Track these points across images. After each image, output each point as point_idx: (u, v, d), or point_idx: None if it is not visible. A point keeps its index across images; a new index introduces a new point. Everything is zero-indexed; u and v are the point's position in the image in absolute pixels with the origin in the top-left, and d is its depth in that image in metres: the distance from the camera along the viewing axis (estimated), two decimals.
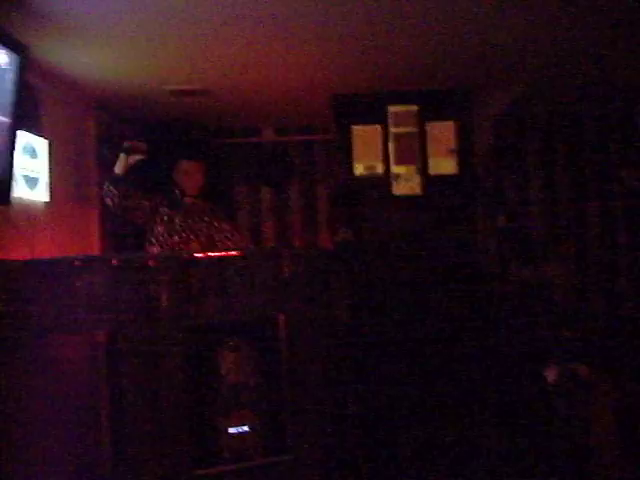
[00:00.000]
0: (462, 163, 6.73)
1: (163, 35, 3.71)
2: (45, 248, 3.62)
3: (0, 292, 3.12)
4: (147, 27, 3.59)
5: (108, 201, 3.87)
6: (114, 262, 3.23)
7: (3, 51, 2.92)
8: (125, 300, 3.21)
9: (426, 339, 4.88)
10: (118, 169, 3.87)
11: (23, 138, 3.60)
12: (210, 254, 3.41)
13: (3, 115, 2.96)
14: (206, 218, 4.07)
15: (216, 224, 4.06)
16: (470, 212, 6.63)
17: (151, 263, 3.26)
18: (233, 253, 3.47)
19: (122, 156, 3.87)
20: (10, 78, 3.00)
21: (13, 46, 3.00)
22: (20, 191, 3.50)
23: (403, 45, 4.15)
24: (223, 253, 3.46)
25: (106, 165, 4.85)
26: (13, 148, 3.13)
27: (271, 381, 3.44)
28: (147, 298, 3.23)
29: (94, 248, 4.67)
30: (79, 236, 4.48)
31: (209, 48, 3.97)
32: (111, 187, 3.83)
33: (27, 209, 3.53)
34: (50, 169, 3.93)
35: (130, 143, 3.87)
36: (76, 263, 3.18)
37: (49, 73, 4.00)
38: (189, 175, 4.03)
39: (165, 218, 3.95)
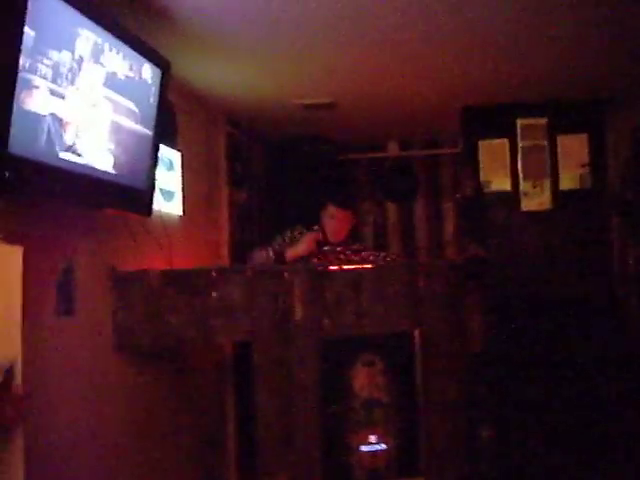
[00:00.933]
0: (596, 177, 6.42)
1: (294, 49, 3.72)
2: (181, 259, 3.67)
3: (141, 300, 3.18)
4: (278, 41, 3.61)
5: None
6: (249, 273, 3.22)
7: (149, 66, 2.98)
8: (259, 310, 3.20)
9: (565, 364, 4.60)
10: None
11: (161, 150, 3.67)
12: (344, 267, 3.34)
13: (147, 128, 3.02)
14: (342, 256, 4.04)
15: (354, 257, 4.04)
16: (605, 228, 6.27)
17: (286, 275, 3.22)
18: (367, 266, 3.39)
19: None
20: (153, 92, 3.07)
21: (157, 61, 3.06)
22: (158, 204, 3.57)
23: (538, 54, 3.99)
24: (357, 266, 3.38)
25: (236, 182, 4.93)
26: (156, 161, 3.19)
27: (405, 399, 3.32)
28: (281, 309, 3.20)
29: (224, 260, 4.73)
30: (210, 248, 4.55)
31: (339, 60, 3.95)
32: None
33: (164, 221, 3.58)
34: (183, 182, 3.99)
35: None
36: (213, 274, 3.19)
37: (183, 88, 4.09)
38: (337, 222, 4.03)
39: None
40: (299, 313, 3.23)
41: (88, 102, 2.52)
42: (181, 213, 3.98)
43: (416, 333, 3.32)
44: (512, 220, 6.36)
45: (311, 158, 5.51)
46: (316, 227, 4.07)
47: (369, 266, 3.42)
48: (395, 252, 5.98)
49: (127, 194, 2.99)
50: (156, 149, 3.18)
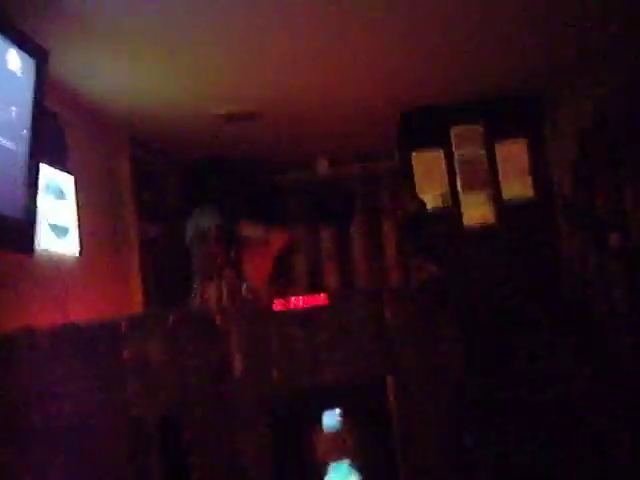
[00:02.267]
0: (539, 185, 5.99)
1: (209, 45, 3.06)
2: (79, 311, 2.88)
3: (26, 369, 2.39)
4: (192, 35, 2.95)
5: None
6: (170, 321, 2.47)
7: (16, 53, 2.22)
8: (187, 370, 2.46)
9: (558, 394, 4.01)
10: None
11: (46, 174, 2.89)
12: (292, 303, 2.63)
13: (15, 141, 2.25)
14: None
15: None
16: (553, 237, 5.82)
17: (218, 319, 2.49)
18: (319, 300, 2.69)
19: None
20: (26, 89, 2.31)
21: (29, 48, 2.31)
22: (47, 241, 2.77)
23: (473, 50, 3.64)
24: (307, 301, 2.67)
25: (146, 212, 4.16)
26: (35, 183, 2.43)
27: (381, 465, 2.62)
28: (216, 365, 2.47)
29: (135, 307, 3.92)
30: (118, 296, 3.74)
31: (261, 62, 3.39)
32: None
33: (56, 263, 2.79)
34: (79, 215, 3.21)
35: None
36: (123, 326, 2.43)
37: (74, 99, 3.34)
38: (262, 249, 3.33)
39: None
40: (239, 367, 2.52)
41: None
42: (77, 253, 3.18)
43: (388, 379, 2.63)
44: (454, 237, 5.85)
45: (233, 183, 4.79)
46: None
47: (321, 300, 2.71)
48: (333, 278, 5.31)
49: None
50: (34, 169, 2.41)
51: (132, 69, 3.25)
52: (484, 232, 5.95)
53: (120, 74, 3.29)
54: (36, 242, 2.60)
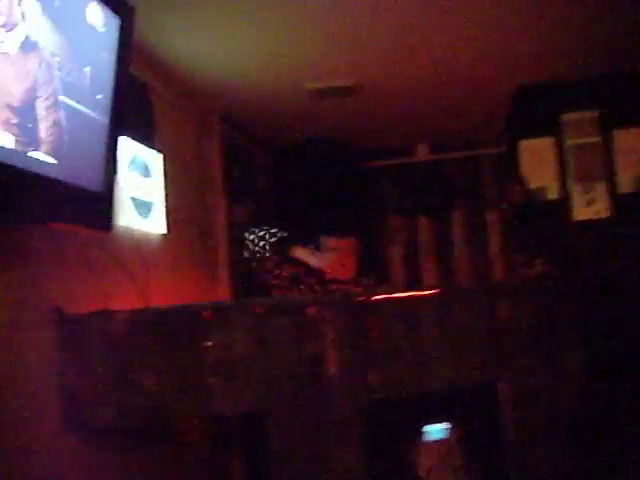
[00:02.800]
0: None
1: (305, 11, 2.76)
2: (162, 295, 2.66)
3: (102, 355, 2.18)
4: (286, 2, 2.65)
5: (247, 254, 2.91)
6: (258, 309, 2.21)
7: (97, 6, 2.00)
8: (276, 364, 2.19)
9: None
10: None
11: (131, 149, 2.69)
12: (395, 295, 2.31)
13: (90, 106, 2.02)
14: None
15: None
16: None
17: (311, 310, 2.20)
18: (426, 292, 2.36)
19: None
20: (106, 48, 2.08)
21: (113, 2, 2.08)
22: (128, 218, 2.56)
23: (592, 25, 3.23)
24: (413, 292, 2.35)
25: (235, 195, 3.93)
26: (114, 153, 2.20)
27: None
28: (308, 361, 2.19)
29: (224, 296, 3.69)
30: (203, 282, 3.52)
31: (362, 32, 3.07)
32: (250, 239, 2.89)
33: (138, 243, 2.58)
34: (167, 193, 2.99)
35: None
36: (206, 314, 2.18)
37: (165, 69, 3.13)
38: (336, 255, 2.92)
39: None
40: (334, 366, 2.22)
41: None
42: (164, 232, 2.96)
43: (503, 388, 2.28)
44: (562, 233, 5.37)
45: (324, 166, 4.50)
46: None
47: (429, 292, 2.38)
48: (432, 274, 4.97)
49: (73, 198, 1.99)
50: (113, 139, 2.19)
51: (223, 38, 3.00)
52: (597, 228, 5.46)
53: (211, 44, 3.04)
54: (116, 218, 2.37)
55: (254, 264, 2.92)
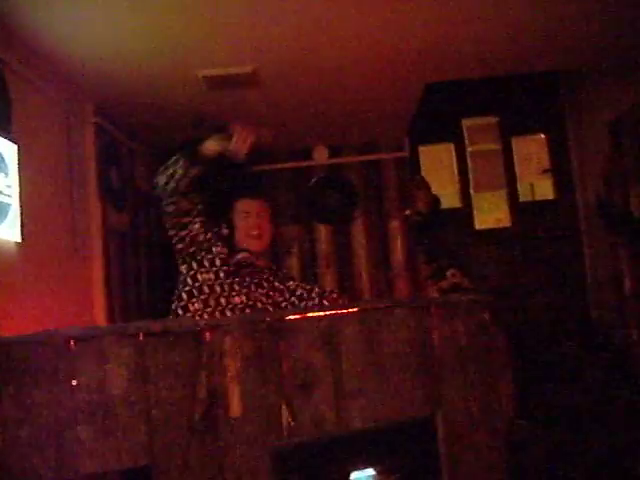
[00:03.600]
0: (560, 184, 5.41)
1: None
2: (18, 320, 2.11)
3: None
4: None
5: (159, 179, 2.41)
6: (139, 336, 1.74)
7: None
8: (162, 408, 1.72)
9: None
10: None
11: None
12: (310, 314, 1.90)
13: None
14: (265, 284, 2.57)
15: (279, 285, 2.60)
16: (576, 243, 5.22)
17: (208, 335, 1.76)
18: (345, 310, 1.96)
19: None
20: None
21: None
22: None
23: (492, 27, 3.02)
24: (331, 311, 1.94)
25: (113, 199, 3.40)
26: None
27: None
28: (203, 402, 1.74)
29: (98, 320, 3.15)
30: (72, 302, 2.97)
31: (260, 15, 2.71)
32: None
33: None
34: (21, 192, 2.44)
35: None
36: (70, 344, 1.68)
37: (27, 47, 2.57)
38: (253, 219, 2.55)
39: (215, 266, 2.48)
40: (237, 404, 1.78)
41: None
42: (18, 239, 2.41)
43: (438, 419, 1.94)
44: (465, 241, 5.20)
45: (216, 169, 4.03)
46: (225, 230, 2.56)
47: (347, 310, 1.98)
48: (330, 287, 4.60)
49: None
50: None
51: (100, 16, 2.51)
52: (498, 237, 5.33)
53: (85, 23, 2.55)
54: None
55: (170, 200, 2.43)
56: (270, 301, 2.56)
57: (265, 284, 2.55)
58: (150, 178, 4.05)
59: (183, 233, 2.46)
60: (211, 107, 3.46)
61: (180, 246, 2.47)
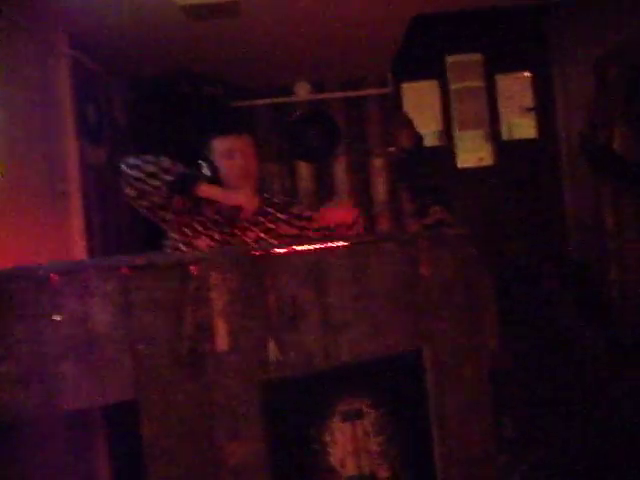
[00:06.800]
0: (543, 123, 5.38)
1: None
2: None
3: None
4: None
5: (129, 191, 2.25)
6: (123, 270, 1.70)
7: None
8: (148, 341, 1.70)
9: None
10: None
11: None
12: (297, 247, 1.87)
13: None
14: (261, 218, 2.46)
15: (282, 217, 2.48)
16: (557, 184, 5.23)
17: (193, 268, 1.73)
18: (335, 244, 1.93)
19: None
20: None
21: None
22: None
23: None
24: (318, 245, 1.91)
25: (90, 134, 3.30)
26: None
27: (416, 469, 1.94)
28: (190, 335, 1.72)
29: (79, 254, 3.10)
30: (49, 238, 2.90)
31: None
32: (132, 173, 2.23)
33: None
34: None
35: None
36: (52, 279, 1.65)
37: None
38: (239, 157, 2.37)
39: (209, 229, 2.38)
40: (223, 339, 1.77)
41: None
42: None
43: (426, 354, 1.94)
44: (447, 180, 5.19)
45: (195, 104, 3.93)
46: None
47: (336, 244, 1.95)
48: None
49: None
50: None
51: None
52: (481, 175, 5.32)
53: None
54: None
55: (143, 202, 2.28)
56: (272, 234, 2.45)
57: (262, 219, 2.44)
58: (127, 110, 3.96)
59: (165, 220, 2.34)
60: (190, 38, 3.33)
61: (164, 226, 2.36)
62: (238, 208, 2.32)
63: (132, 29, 3.22)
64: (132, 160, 2.24)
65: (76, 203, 3.20)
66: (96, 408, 1.93)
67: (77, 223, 3.22)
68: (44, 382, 1.62)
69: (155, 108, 3.79)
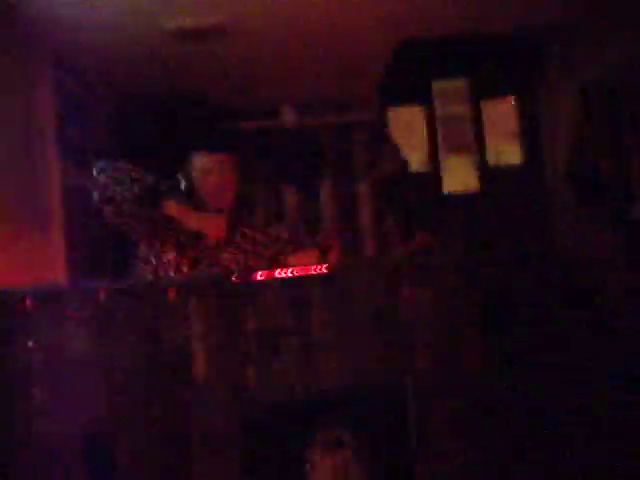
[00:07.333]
0: (529, 149, 5.38)
1: None
2: None
3: None
4: None
5: (94, 195, 2.20)
6: (102, 294, 1.67)
7: None
8: (124, 369, 1.67)
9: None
10: None
11: None
12: (276, 274, 1.84)
13: None
14: (238, 240, 2.41)
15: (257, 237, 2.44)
16: (546, 210, 5.21)
17: (172, 294, 1.70)
18: (314, 271, 1.90)
19: None
20: None
21: None
22: None
23: None
24: (297, 271, 1.88)
25: (72, 151, 3.28)
26: None
27: None
28: (166, 362, 1.69)
29: (57, 277, 3.05)
30: (29, 263, 2.84)
31: None
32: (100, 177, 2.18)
33: None
34: None
35: None
36: (26, 303, 1.61)
37: None
38: (216, 176, 2.33)
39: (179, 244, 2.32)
40: (201, 366, 1.74)
41: None
42: None
43: (409, 385, 1.90)
44: (432, 205, 5.16)
45: (183, 126, 3.92)
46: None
47: (316, 271, 1.92)
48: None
49: None
50: None
51: None
52: (466, 201, 5.31)
53: None
54: None
55: (110, 208, 2.22)
56: (250, 255, 2.40)
57: (238, 240, 2.39)
58: (110, 132, 3.94)
59: (132, 229, 2.28)
60: (177, 59, 3.32)
61: (132, 233, 2.30)
62: (202, 234, 2.28)
63: (118, 50, 3.21)
64: (102, 164, 2.19)
65: (58, 223, 3.17)
66: (73, 437, 1.88)
67: (58, 242, 3.18)
68: (18, 411, 1.58)
69: (140, 128, 3.77)
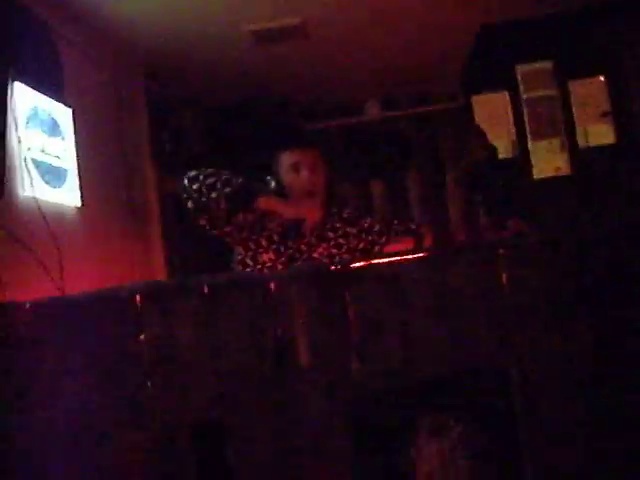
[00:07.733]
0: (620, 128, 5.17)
1: None
2: (82, 280, 2.13)
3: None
4: None
5: (189, 205, 2.26)
6: (205, 289, 1.73)
7: None
8: (231, 358, 1.71)
9: None
10: None
11: (32, 100, 2.14)
12: (374, 261, 1.85)
13: None
14: (330, 234, 2.42)
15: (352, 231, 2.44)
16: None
17: (273, 285, 1.73)
18: (408, 256, 1.90)
19: None
20: None
21: None
22: (33, 186, 2.02)
23: None
24: (393, 258, 1.89)
25: (166, 163, 3.39)
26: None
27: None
28: (273, 351, 1.72)
29: (156, 277, 3.17)
30: (131, 264, 2.97)
31: None
32: (193, 187, 2.24)
33: (49, 216, 2.05)
34: (78, 156, 2.43)
35: None
36: (136, 299, 1.68)
37: (73, 10, 2.56)
38: (305, 171, 2.35)
39: (274, 243, 2.35)
40: (306, 354, 1.76)
41: None
42: (78, 203, 2.42)
43: (513, 372, 1.86)
44: (524, 192, 5.04)
45: (268, 128, 3.98)
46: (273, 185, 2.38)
47: (410, 256, 1.92)
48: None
49: None
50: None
51: None
52: (558, 185, 5.16)
53: None
54: (17, 186, 1.84)
55: (203, 217, 2.28)
56: (344, 249, 2.41)
57: (331, 235, 2.41)
58: (202, 138, 4.05)
59: (228, 234, 2.33)
60: (259, 63, 3.40)
61: (228, 239, 2.36)
62: (301, 220, 2.30)
63: (204, 56, 3.30)
64: (193, 173, 2.25)
65: (156, 230, 3.29)
66: (183, 427, 1.96)
67: (157, 249, 3.30)
68: (131, 403, 1.66)
69: (229, 136, 3.86)
